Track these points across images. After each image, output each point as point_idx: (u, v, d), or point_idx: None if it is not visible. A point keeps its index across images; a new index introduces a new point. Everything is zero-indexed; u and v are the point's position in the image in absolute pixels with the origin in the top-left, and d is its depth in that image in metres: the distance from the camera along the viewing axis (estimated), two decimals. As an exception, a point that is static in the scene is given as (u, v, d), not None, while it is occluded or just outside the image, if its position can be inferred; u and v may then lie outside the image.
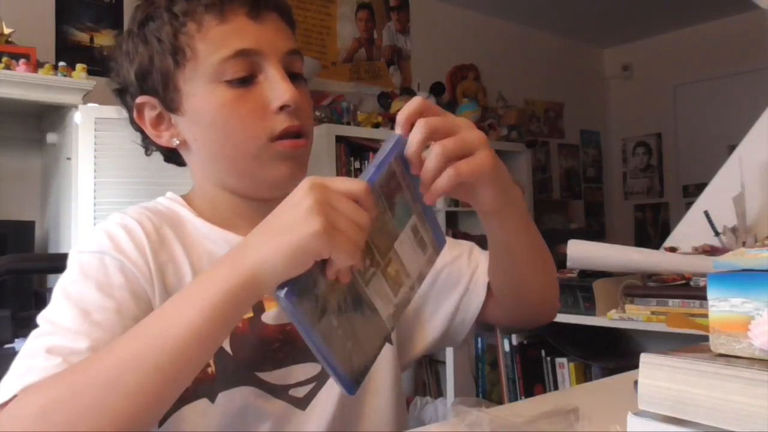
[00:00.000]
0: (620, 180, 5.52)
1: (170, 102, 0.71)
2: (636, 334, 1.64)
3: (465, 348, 1.93)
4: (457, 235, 3.44)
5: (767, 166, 1.61)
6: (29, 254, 2.20)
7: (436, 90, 3.91)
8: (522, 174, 4.02)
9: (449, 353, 1.92)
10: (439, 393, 2.44)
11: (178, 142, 0.73)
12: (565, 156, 5.20)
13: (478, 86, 4.42)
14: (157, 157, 0.80)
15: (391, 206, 0.57)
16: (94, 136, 2.28)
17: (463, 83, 4.36)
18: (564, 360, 1.70)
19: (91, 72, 2.39)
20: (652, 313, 1.39)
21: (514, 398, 1.78)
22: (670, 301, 1.38)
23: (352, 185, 0.52)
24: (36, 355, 0.57)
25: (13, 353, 0.59)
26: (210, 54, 0.68)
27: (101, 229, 0.70)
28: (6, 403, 0.54)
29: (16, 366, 0.57)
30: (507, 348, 1.80)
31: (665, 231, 4.41)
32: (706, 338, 0.48)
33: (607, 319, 1.46)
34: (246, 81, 0.69)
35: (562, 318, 1.57)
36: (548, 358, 1.74)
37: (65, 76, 2.32)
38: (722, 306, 0.46)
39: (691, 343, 0.53)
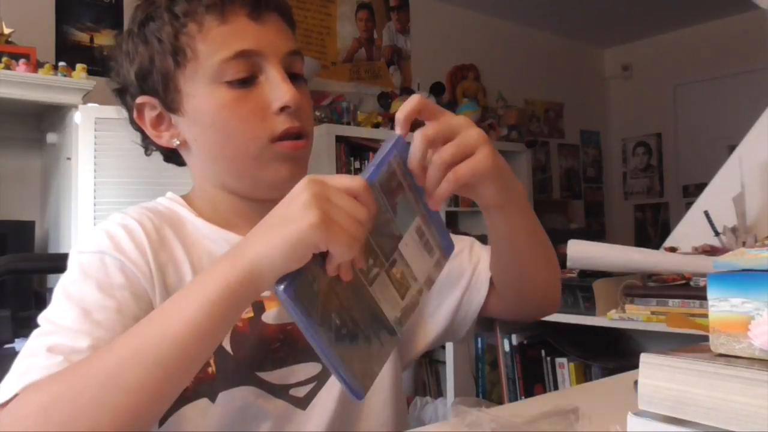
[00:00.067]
0: (620, 180, 5.52)
1: (170, 102, 0.71)
2: (636, 334, 1.64)
3: (465, 348, 1.93)
4: (457, 234, 3.44)
5: (767, 166, 1.61)
6: (29, 254, 2.20)
7: (436, 90, 3.92)
8: (522, 174, 4.02)
9: (449, 353, 1.92)
10: (439, 393, 2.44)
11: (178, 142, 0.73)
12: (565, 156, 5.20)
13: (478, 86, 4.43)
14: (157, 157, 0.80)
15: (393, 206, 0.56)
16: (94, 136, 2.28)
17: (463, 83, 4.36)
18: (564, 360, 1.70)
19: (91, 72, 2.39)
20: (652, 313, 1.39)
21: (514, 398, 1.78)
22: (670, 301, 1.38)
23: (350, 181, 0.52)
24: (37, 354, 0.57)
25: (13, 353, 0.59)
26: (211, 55, 0.68)
27: (101, 229, 0.70)
28: (7, 402, 0.54)
29: (17, 365, 0.57)
30: (507, 348, 1.80)
31: (665, 231, 4.41)
32: (706, 338, 0.48)
33: (607, 319, 1.46)
34: (246, 82, 0.69)
35: (562, 318, 1.57)
36: (548, 358, 1.74)
37: (65, 76, 2.32)
38: (722, 306, 0.46)
39: (691, 343, 0.53)
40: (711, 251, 1.50)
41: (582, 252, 1.48)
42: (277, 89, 0.68)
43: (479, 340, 1.92)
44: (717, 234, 1.55)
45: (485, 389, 1.91)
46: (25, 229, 2.41)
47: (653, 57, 5.18)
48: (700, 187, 2.16)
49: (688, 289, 1.38)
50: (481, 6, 4.45)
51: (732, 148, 1.79)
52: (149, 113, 0.73)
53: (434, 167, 0.57)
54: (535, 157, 4.67)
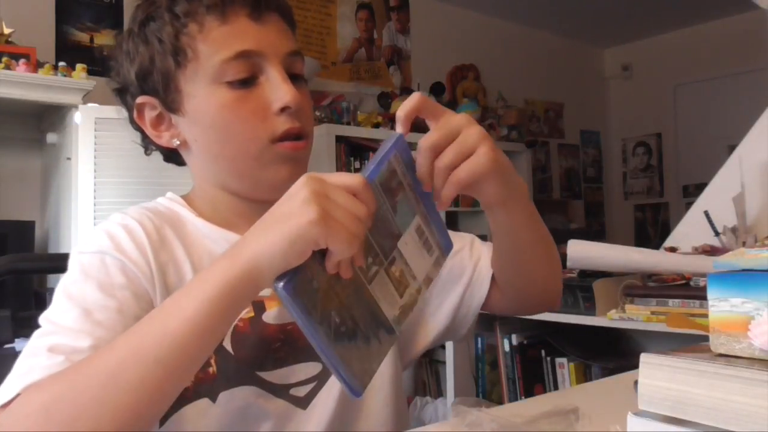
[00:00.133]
0: (620, 180, 5.52)
1: (171, 102, 0.71)
2: (636, 334, 1.64)
3: (465, 348, 1.93)
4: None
5: (767, 166, 1.61)
6: (29, 254, 2.20)
7: (436, 90, 3.92)
8: (522, 174, 4.02)
9: (449, 353, 1.92)
10: (439, 393, 2.44)
11: (178, 142, 0.73)
12: (565, 156, 5.20)
13: (478, 86, 4.43)
14: (157, 157, 0.80)
15: (393, 205, 0.57)
16: (94, 136, 2.28)
17: (463, 83, 4.36)
18: (564, 360, 1.70)
19: (91, 72, 2.39)
20: (652, 313, 1.39)
21: (514, 398, 1.78)
22: (670, 301, 1.38)
23: (350, 179, 0.52)
24: (38, 354, 0.57)
25: (13, 353, 0.59)
26: (211, 55, 0.68)
27: (102, 229, 0.70)
28: (9, 402, 0.54)
29: (18, 365, 0.57)
30: (507, 348, 1.80)
31: (665, 231, 4.41)
32: (706, 338, 0.48)
33: (607, 319, 1.46)
34: (247, 82, 0.69)
35: (562, 318, 1.57)
36: (548, 358, 1.74)
37: (65, 76, 2.32)
38: (722, 306, 0.46)
39: (691, 343, 0.53)
40: (711, 251, 1.50)
41: (582, 252, 1.48)
42: (277, 90, 0.69)
43: (479, 340, 1.92)
44: (717, 234, 1.55)
45: (485, 389, 1.91)
46: (25, 229, 2.41)
47: (653, 57, 5.18)
48: (700, 187, 2.16)
49: (688, 289, 1.38)
50: (481, 6, 4.45)
51: (732, 148, 1.79)
52: (149, 113, 0.73)
53: (438, 172, 0.58)
54: (535, 157, 4.67)
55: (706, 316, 0.47)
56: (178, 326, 0.51)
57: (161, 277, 0.68)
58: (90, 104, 2.32)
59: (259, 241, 0.51)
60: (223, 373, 0.68)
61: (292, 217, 0.50)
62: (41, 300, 2.19)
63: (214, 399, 0.67)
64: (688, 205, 1.99)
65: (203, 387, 0.67)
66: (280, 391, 0.70)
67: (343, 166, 3.17)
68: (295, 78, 0.71)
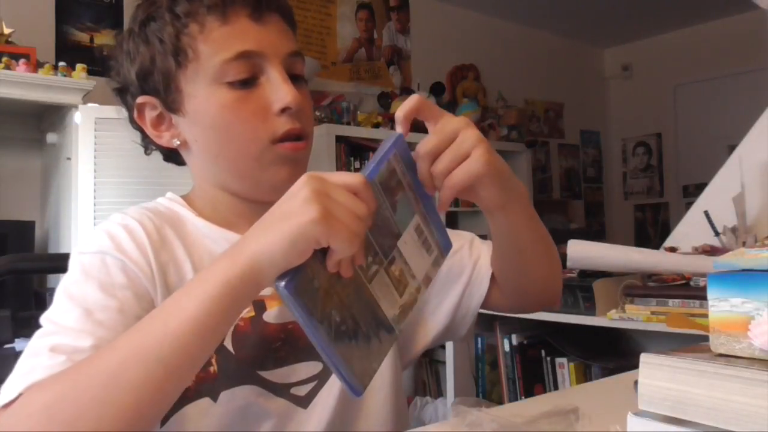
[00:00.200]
0: (620, 180, 5.52)
1: (171, 103, 0.71)
2: (636, 334, 1.64)
3: (465, 348, 1.93)
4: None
5: (767, 166, 1.61)
6: (29, 254, 2.20)
7: (436, 90, 3.92)
8: (522, 174, 4.02)
9: (449, 353, 1.92)
10: (439, 393, 2.44)
11: (178, 142, 0.73)
12: (565, 156, 5.20)
13: (478, 86, 4.42)
14: (157, 157, 0.80)
15: (393, 205, 0.57)
16: (94, 136, 2.28)
17: (463, 83, 4.36)
18: (564, 360, 1.70)
19: (91, 72, 2.39)
20: (652, 313, 1.39)
21: (514, 398, 1.78)
22: (670, 301, 1.38)
23: (350, 178, 0.52)
24: (40, 354, 0.57)
25: (13, 353, 0.59)
26: (212, 55, 0.68)
27: (102, 229, 0.70)
28: (11, 402, 0.54)
29: (20, 365, 0.57)
30: (507, 348, 1.80)
31: (665, 231, 4.41)
32: (706, 338, 0.48)
33: (607, 319, 1.46)
34: (248, 83, 0.69)
35: (562, 318, 1.57)
36: (548, 358, 1.74)
37: (65, 76, 2.32)
38: (722, 306, 0.46)
39: (691, 343, 0.53)
40: (711, 251, 1.50)
41: (582, 252, 1.48)
42: (278, 90, 0.69)
43: (479, 340, 1.92)
44: (717, 234, 1.55)
45: (485, 389, 1.91)
46: (25, 229, 2.41)
47: (653, 57, 5.18)
48: (700, 187, 2.16)
49: (688, 289, 1.38)
50: (481, 6, 4.45)
51: (732, 148, 1.79)
52: (150, 113, 0.73)
53: (436, 177, 0.58)
54: (535, 157, 4.67)
55: (706, 316, 0.47)
56: (180, 326, 0.51)
57: (162, 277, 0.68)
58: (90, 104, 2.32)
59: (260, 240, 0.51)
60: (224, 372, 0.68)
61: (293, 216, 0.50)
62: (41, 300, 2.19)
63: (215, 398, 0.67)
64: (688, 205, 1.99)
65: (204, 386, 0.67)
66: (281, 390, 0.70)
67: (343, 166, 3.17)
68: (295, 78, 0.71)
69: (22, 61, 2.25)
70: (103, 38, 2.95)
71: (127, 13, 1.71)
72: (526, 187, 0.71)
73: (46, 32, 2.80)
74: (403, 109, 0.59)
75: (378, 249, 0.55)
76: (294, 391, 0.71)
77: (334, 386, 0.71)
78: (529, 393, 1.74)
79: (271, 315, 0.71)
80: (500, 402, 1.79)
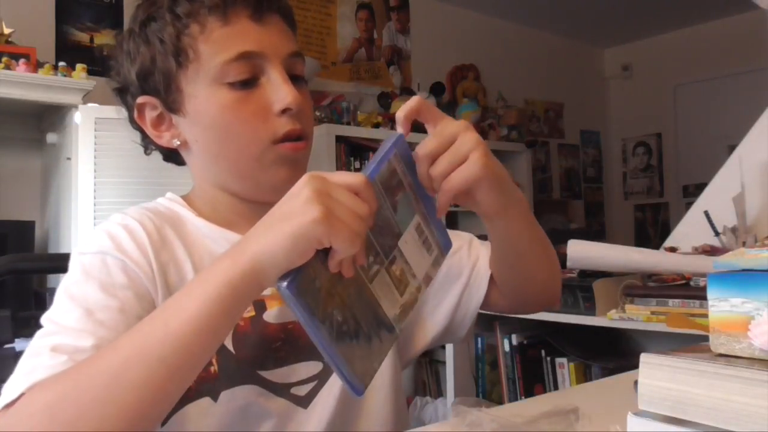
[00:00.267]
0: (620, 180, 5.52)
1: (172, 103, 0.71)
2: (636, 334, 1.64)
3: (465, 348, 1.93)
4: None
5: (767, 166, 1.61)
6: (29, 254, 2.20)
7: (436, 90, 3.91)
8: (522, 174, 4.02)
9: (449, 353, 1.92)
10: (439, 393, 2.44)
11: (178, 142, 0.73)
12: (565, 156, 5.20)
13: (478, 86, 4.42)
14: (157, 157, 0.80)
15: (394, 204, 0.57)
16: (94, 136, 2.28)
17: (463, 83, 4.36)
18: (564, 360, 1.70)
19: (91, 72, 2.39)
20: (652, 313, 1.39)
21: (514, 398, 1.79)
22: (670, 301, 1.38)
23: (351, 178, 0.52)
24: (41, 354, 0.57)
25: (13, 353, 0.59)
26: (213, 56, 0.68)
27: (102, 229, 0.70)
28: (13, 402, 0.54)
29: (21, 365, 0.57)
30: (507, 348, 1.80)
31: (665, 231, 4.41)
32: (706, 338, 0.48)
33: (607, 319, 1.46)
34: (248, 83, 0.69)
35: (562, 318, 1.57)
36: (548, 358, 1.74)
37: (65, 76, 2.32)
38: (722, 306, 0.46)
39: (691, 343, 0.53)
40: (711, 251, 1.50)
41: (582, 252, 1.48)
42: (278, 91, 0.69)
43: (479, 340, 1.92)
44: (717, 234, 1.55)
45: (485, 389, 1.91)
46: (25, 229, 2.41)
47: (653, 57, 5.18)
48: (700, 187, 2.16)
49: (688, 289, 1.38)
50: (481, 6, 4.45)
51: (732, 148, 1.79)
52: (150, 113, 0.73)
53: (434, 179, 0.58)
54: (535, 157, 4.67)
55: (706, 316, 0.47)
56: (181, 326, 0.51)
57: (162, 277, 0.68)
58: (90, 104, 2.32)
59: (262, 240, 0.51)
60: (225, 372, 0.68)
61: (294, 216, 0.50)
62: (41, 300, 2.19)
63: (215, 398, 0.67)
64: (688, 205, 1.99)
65: (205, 386, 0.67)
66: (281, 390, 0.70)
67: (343, 166, 3.17)
68: (295, 79, 0.71)
69: (22, 61, 2.25)
70: (103, 38, 2.95)
71: (127, 13, 1.71)
72: (524, 196, 0.70)
73: (46, 32, 2.80)
74: (403, 110, 0.59)
75: (379, 249, 0.55)
76: (294, 390, 0.71)
77: (334, 386, 0.72)
78: (529, 393, 1.74)
79: (271, 315, 0.71)
80: (500, 402, 1.79)
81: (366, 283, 0.54)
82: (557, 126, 5.16)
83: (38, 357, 0.57)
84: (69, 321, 0.60)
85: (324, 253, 0.51)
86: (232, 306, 0.52)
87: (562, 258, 1.47)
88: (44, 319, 0.62)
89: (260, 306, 0.71)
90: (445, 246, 0.65)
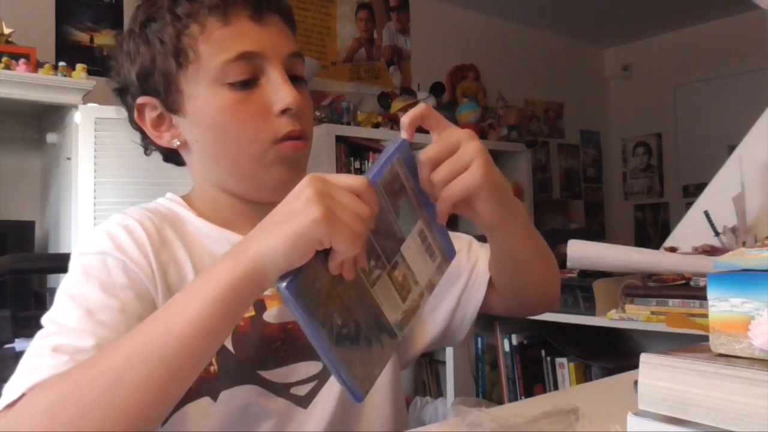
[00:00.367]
0: (620, 180, 5.52)
1: (172, 103, 0.71)
2: (636, 334, 1.64)
3: (465, 348, 1.93)
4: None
5: (767, 166, 1.61)
6: (29, 254, 2.20)
7: (436, 90, 3.91)
8: (522, 174, 4.01)
9: (449, 353, 1.92)
10: (439, 393, 2.44)
11: (178, 143, 0.73)
12: (565, 156, 5.20)
13: (478, 86, 4.42)
14: (157, 157, 0.80)
15: (396, 209, 0.57)
16: (94, 136, 2.28)
17: (463, 83, 4.36)
18: (564, 360, 1.70)
19: (91, 72, 2.38)
20: (652, 313, 1.39)
21: (514, 398, 1.78)
22: (670, 301, 1.38)
23: (353, 180, 0.52)
24: (42, 354, 0.57)
25: (13, 353, 0.59)
26: (213, 56, 0.68)
27: (102, 230, 0.70)
28: (15, 403, 0.54)
29: (22, 366, 0.57)
30: (507, 348, 1.80)
31: (665, 231, 4.41)
32: (706, 338, 0.48)
33: (607, 319, 1.46)
34: (248, 84, 0.69)
35: (562, 318, 1.57)
36: (548, 358, 1.74)
37: (65, 76, 2.32)
38: (722, 306, 0.46)
39: (691, 343, 0.53)
40: (711, 251, 1.50)
41: (582, 252, 1.48)
42: (278, 91, 0.69)
43: (479, 340, 1.92)
44: (717, 234, 1.55)
45: (485, 389, 1.91)
46: (25, 229, 2.41)
47: (653, 57, 5.18)
48: (700, 187, 2.16)
49: (688, 289, 1.38)
50: (481, 6, 4.45)
51: (732, 148, 1.79)
52: (150, 114, 0.73)
53: (434, 185, 0.58)
54: (535, 157, 4.67)
55: (706, 316, 0.47)
56: (183, 326, 0.51)
57: (162, 277, 0.68)
58: (90, 104, 2.32)
59: (263, 241, 0.51)
60: (224, 371, 0.68)
61: (295, 217, 0.50)
62: (41, 300, 2.19)
63: (215, 398, 0.67)
64: (688, 205, 1.99)
65: (204, 386, 0.67)
66: (281, 390, 0.70)
67: (343, 166, 3.16)
68: (295, 79, 0.71)
69: (22, 61, 2.24)
70: (103, 38, 2.95)
71: (127, 13, 1.72)
72: (525, 209, 0.70)
73: (46, 32, 2.80)
74: (408, 116, 0.59)
75: (381, 253, 0.55)
76: (294, 390, 0.71)
77: (334, 386, 0.72)
78: (529, 393, 1.74)
79: (271, 315, 0.71)
80: (500, 402, 1.79)
81: (367, 287, 0.54)
82: (557, 126, 5.15)
83: (39, 357, 0.57)
84: (70, 321, 0.60)
85: (325, 255, 0.51)
86: (233, 307, 0.53)
87: (562, 258, 1.48)
88: (45, 320, 0.62)
89: (260, 306, 0.71)
90: (449, 253, 0.64)
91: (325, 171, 0.54)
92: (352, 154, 3.25)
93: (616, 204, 5.51)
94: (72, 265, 0.67)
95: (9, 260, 1.10)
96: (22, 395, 0.54)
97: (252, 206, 0.73)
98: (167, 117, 0.73)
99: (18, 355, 0.59)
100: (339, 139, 3.16)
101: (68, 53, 2.77)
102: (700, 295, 1.32)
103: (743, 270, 0.45)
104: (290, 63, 0.71)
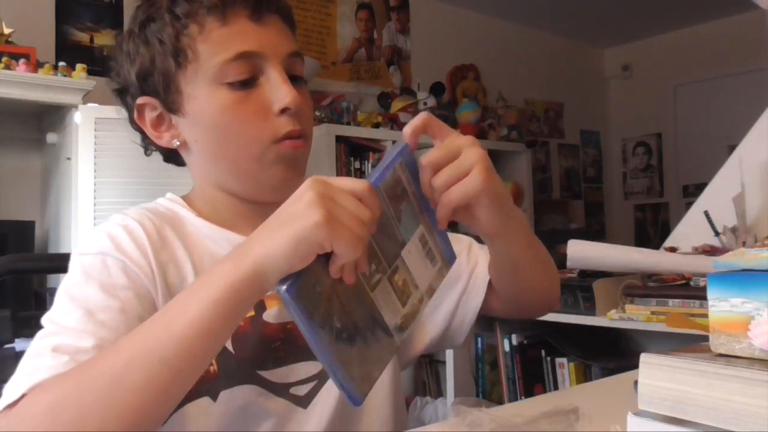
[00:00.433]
0: (620, 180, 5.52)
1: (171, 103, 0.71)
2: (636, 334, 1.64)
3: (465, 348, 1.93)
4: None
5: (767, 166, 1.61)
6: (29, 254, 2.20)
7: (436, 90, 3.91)
8: (522, 174, 4.01)
9: (449, 353, 1.92)
10: (439, 393, 2.44)
11: (178, 143, 0.73)
12: (565, 156, 5.20)
13: (478, 86, 4.42)
14: (157, 157, 0.80)
15: (398, 213, 0.56)
16: (94, 136, 2.28)
17: (463, 83, 4.36)
18: (564, 360, 1.70)
19: (91, 72, 2.38)
20: (652, 313, 1.39)
21: (514, 398, 1.78)
22: (670, 301, 1.38)
23: (355, 184, 0.52)
24: (42, 354, 0.57)
25: (13, 353, 0.59)
26: (212, 56, 0.68)
27: (102, 230, 0.70)
28: (15, 403, 0.54)
29: (23, 366, 0.57)
30: (507, 348, 1.80)
31: (665, 231, 4.41)
32: (706, 338, 0.48)
33: (607, 319, 1.46)
34: (247, 83, 0.69)
35: (562, 318, 1.57)
36: (548, 358, 1.74)
37: (65, 76, 2.32)
38: (722, 306, 0.46)
39: (691, 343, 0.53)
40: (711, 251, 1.50)
41: (582, 252, 1.48)
42: (277, 91, 0.69)
43: (479, 340, 1.92)
44: (717, 234, 1.55)
45: (485, 389, 1.91)
46: (25, 229, 2.41)
47: (653, 57, 5.18)
48: (700, 187, 2.16)
49: (688, 289, 1.38)
50: (481, 6, 4.45)
51: (732, 148, 1.79)
52: (150, 114, 0.73)
53: (435, 190, 0.58)
54: (535, 157, 4.67)
55: (706, 316, 0.47)
56: (183, 328, 0.51)
57: (162, 277, 0.68)
58: (90, 104, 2.32)
59: (264, 243, 0.51)
60: (224, 371, 0.68)
61: (297, 220, 0.50)
62: (41, 300, 2.19)
63: (215, 398, 0.67)
64: (688, 205, 1.99)
65: (204, 385, 0.67)
66: (281, 390, 0.70)
67: (343, 166, 3.16)
68: (295, 79, 0.71)
69: (22, 61, 2.24)
70: (103, 38, 2.95)
71: (127, 13, 1.72)
72: (525, 218, 0.70)
73: (46, 32, 2.80)
74: (411, 126, 0.59)
75: (382, 257, 0.55)
76: (294, 390, 0.71)
77: (333, 386, 0.71)
78: (529, 393, 1.74)
79: (270, 315, 0.71)
80: (500, 402, 1.79)
81: (367, 292, 0.54)
82: (557, 126, 5.15)
83: (39, 358, 0.57)
84: (70, 321, 0.60)
85: (326, 259, 0.51)
86: (234, 309, 0.52)
87: (562, 258, 1.48)
88: (45, 320, 0.62)
89: (260, 306, 0.71)
90: (449, 259, 0.64)
91: (325, 171, 0.54)
92: (352, 154, 3.25)
93: (616, 204, 5.51)
94: (72, 265, 0.67)
95: (9, 260, 1.10)
96: (23, 396, 0.54)
97: (252, 206, 0.73)
98: (167, 117, 0.73)
99: (18, 355, 0.59)
100: (339, 139, 3.16)
101: (68, 53, 2.77)
102: (700, 295, 1.32)
103: (743, 270, 0.45)
104: (290, 63, 0.71)
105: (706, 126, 4.83)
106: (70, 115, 2.32)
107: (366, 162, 3.26)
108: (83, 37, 2.92)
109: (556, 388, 1.71)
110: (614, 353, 1.65)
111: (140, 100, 0.73)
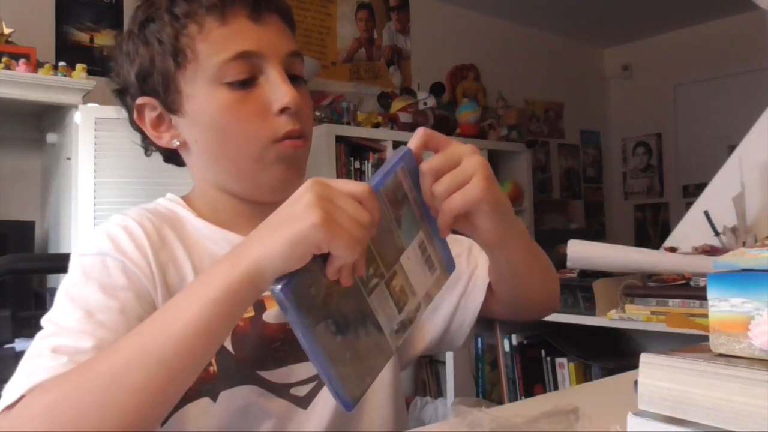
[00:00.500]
0: (620, 180, 5.52)
1: (171, 103, 0.71)
2: (636, 334, 1.64)
3: (465, 348, 1.92)
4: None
5: (767, 166, 1.61)
6: (29, 254, 2.20)
7: (436, 90, 3.91)
8: (522, 174, 4.01)
9: (449, 353, 1.92)
10: (439, 393, 2.44)
11: (178, 143, 0.73)
12: (565, 156, 5.20)
13: (478, 86, 4.42)
14: (157, 157, 0.80)
15: (398, 218, 0.56)
16: (94, 136, 2.28)
17: (463, 83, 4.36)
18: (564, 360, 1.70)
19: (91, 72, 2.39)
20: (652, 313, 1.39)
21: (514, 398, 1.78)
22: (670, 301, 1.38)
23: (355, 186, 0.52)
24: (42, 355, 0.57)
25: (13, 353, 0.59)
26: (211, 56, 0.68)
27: (102, 230, 0.70)
28: (14, 404, 0.54)
29: (22, 367, 0.57)
30: (507, 348, 1.80)
31: (665, 231, 4.41)
32: (706, 338, 0.48)
33: (607, 319, 1.46)
34: (247, 83, 0.69)
35: (562, 318, 1.57)
36: (548, 358, 1.74)
37: (65, 76, 2.32)
38: (722, 306, 0.46)
39: (691, 343, 0.53)
40: (711, 251, 1.50)
41: (582, 252, 1.48)
42: (277, 90, 0.69)
43: (479, 340, 1.92)
44: (717, 234, 1.55)
45: (485, 389, 1.91)
46: (25, 229, 2.41)
47: (653, 57, 5.18)
48: (700, 187, 2.16)
49: (688, 289, 1.38)
50: (481, 6, 4.45)
51: (732, 148, 1.79)
52: (149, 114, 0.73)
53: (435, 197, 0.58)
54: (535, 157, 4.67)
55: (706, 316, 0.47)
56: (181, 328, 0.51)
57: (162, 278, 0.68)
58: (90, 104, 2.32)
59: (262, 244, 0.51)
60: (224, 372, 0.68)
61: (295, 220, 0.50)
62: (41, 300, 2.19)
63: (214, 398, 0.67)
64: (688, 205, 1.99)
65: (204, 386, 0.67)
66: (281, 390, 0.70)
67: (342, 166, 3.16)
68: (294, 79, 0.71)
69: (22, 61, 2.25)
70: (103, 38, 2.95)
71: (127, 13, 1.72)
72: (526, 227, 0.70)
73: (46, 32, 2.80)
74: (411, 145, 0.59)
75: (380, 261, 0.54)
76: (294, 391, 0.71)
77: (334, 387, 0.71)
78: (529, 393, 1.74)
79: (270, 315, 0.71)
80: (500, 402, 1.79)
81: (364, 296, 0.53)
82: (557, 126, 5.16)
83: (39, 358, 0.57)
84: (69, 322, 0.60)
85: (323, 260, 0.50)
86: (232, 309, 0.52)
87: (562, 258, 1.48)
88: (44, 321, 0.62)
89: (259, 306, 0.71)
90: (449, 266, 0.64)
91: (325, 171, 0.54)
92: (352, 154, 3.25)
93: (616, 204, 5.51)
94: (72, 266, 0.67)
95: (9, 260, 1.10)
96: (22, 396, 0.54)
97: (252, 206, 0.73)
98: (167, 117, 0.73)
99: (18, 355, 0.59)
100: (339, 139, 3.16)
101: (68, 53, 2.77)
102: (700, 295, 1.32)
103: (743, 270, 0.45)
104: (289, 62, 0.71)
105: (706, 126, 4.83)
106: (70, 115, 2.32)
107: (366, 162, 3.26)
108: (83, 37, 2.92)
109: (556, 388, 1.71)
110: (614, 353, 1.65)
111: (140, 101, 0.73)
